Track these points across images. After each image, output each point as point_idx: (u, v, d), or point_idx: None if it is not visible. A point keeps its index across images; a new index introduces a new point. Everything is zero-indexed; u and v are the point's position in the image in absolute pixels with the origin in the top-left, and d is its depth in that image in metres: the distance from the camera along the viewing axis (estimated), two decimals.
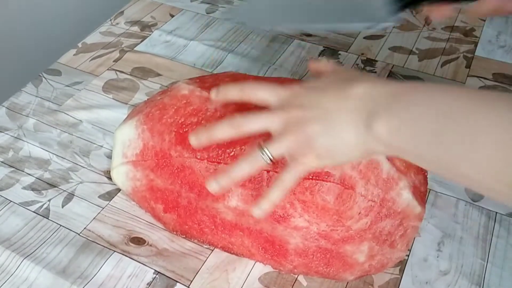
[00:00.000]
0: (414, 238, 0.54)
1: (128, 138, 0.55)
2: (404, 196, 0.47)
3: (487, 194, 0.41)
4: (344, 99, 0.41)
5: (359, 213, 0.47)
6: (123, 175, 0.56)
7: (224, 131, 0.44)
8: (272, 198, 0.44)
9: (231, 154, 0.49)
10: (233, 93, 0.46)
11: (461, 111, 0.36)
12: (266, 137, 0.44)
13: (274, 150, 0.43)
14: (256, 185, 0.48)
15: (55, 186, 0.61)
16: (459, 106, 0.36)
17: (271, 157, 0.43)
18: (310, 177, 0.47)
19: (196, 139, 0.46)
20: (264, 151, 0.43)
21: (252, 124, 0.44)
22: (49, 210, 0.58)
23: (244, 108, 0.47)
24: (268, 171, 0.48)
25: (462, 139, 0.35)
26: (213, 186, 0.45)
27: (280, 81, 0.50)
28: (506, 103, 0.35)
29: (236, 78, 0.54)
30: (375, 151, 0.41)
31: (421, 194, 0.49)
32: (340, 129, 0.41)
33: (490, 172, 0.34)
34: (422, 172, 0.50)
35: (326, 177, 0.46)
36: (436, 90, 0.39)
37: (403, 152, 0.40)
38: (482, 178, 0.35)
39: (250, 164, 0.44)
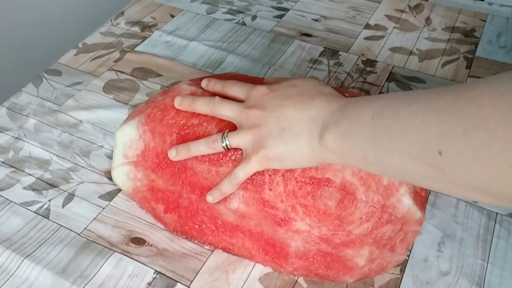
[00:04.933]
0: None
1: (129, 138, 0.55)
2: (405, 202, 0.47)
3: (417, 183, 0.44)
4: (303, 110, 0.45)
5: (360, 219, 0.47)
6: (124, 175, 0.56)
7: (202, 105, 0.51)
8: (223, 189, 0.49)
9: (232, 158, 0.49)
10: (218, 86, 0.53)
11: (390, 109, 0.39)
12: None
13: (232, 139, 0.48)
14: (258, 188, 0.48)
15: (55, 186, 0.61)
16: (389, 105, 0.40)
17: (228, 145, 0.48)
18: (311, 182, 0.47)
19: (180, 104, 0.52)
20: (225, 137, 0.48)
21: (223, 110, 0.50)
22: (50, 210, 0.58)
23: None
24: (270, 175, 0.48)
25: (390, 133, 0.38)
26: (172, 154, 0.51)
27: (260, 81, 0.55)
28: (426, 96, 0.37)
29: (236, 79, 0.54)
30: (325, 160, 0.45)
31: (422, 199, 0.49)
32: (295, 137, 0.45)
33: (416, 158, 0.37)
34: None
35: (327, 183, 0.46)
36: (376, 98, 0.42)
37: (351, 158, 0.43)
38: (412, 166, 0.38)
39: (208, 145, 0.49)
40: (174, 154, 0.51)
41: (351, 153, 0.42)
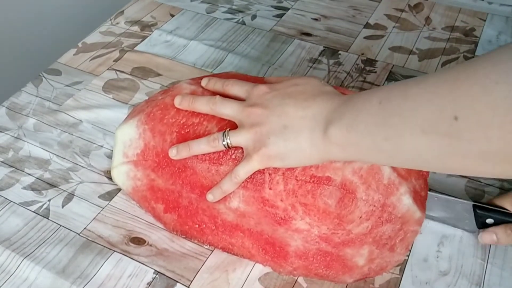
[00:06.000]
0: None
1: (129, 138, 0.55)
2: (404, 201, 0.47)
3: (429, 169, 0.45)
4: (305, 109, 0.45)
5: (360, 218, 0.47)
6: (123, 174, 0.56)
7: (203, 104, 0.51)
8: (224, 188, 0.49)
9: (232, 157, 0.49)
10: (218, 85, 0.53)
11: (397, 91, 0.39)
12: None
13: (233, 138, 0.48)
14: (258, 187, 0.48)
15: (55, 186, 0.61)
16: (396, 89, 0.40)
17: (229, 143, 0.48)
18: (312, 180, 0.47)
19: (180, 103, 0.52)
20: (226, 136, 0.48)
21: (224, 108, 0.50)
22: (49, 210, 0.58)
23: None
24: (270, 174, 0.48)
25: (401, 112, 0.38)
26: (173, 153, 0.51)
27: (261, 80, 0.55)
28: (433, 75, 0.37)
29: (237, 78, 0.54)
30: (329, 155, 0.45)
31: (422, 199, 0.49)
32: (297, 135, 0.45)
33: (430, 132, 0.36)
34: (422, 177, 0.49)
35: (327, 181, 0.46)
36: (380, 88, 0.43)
37: (358, 148, 0.43)
38: (424, 142, 0.37)
39: (209, 143, 0.49)
40: (175, 153, 0.51)
41: (358, 142, 0.42)
